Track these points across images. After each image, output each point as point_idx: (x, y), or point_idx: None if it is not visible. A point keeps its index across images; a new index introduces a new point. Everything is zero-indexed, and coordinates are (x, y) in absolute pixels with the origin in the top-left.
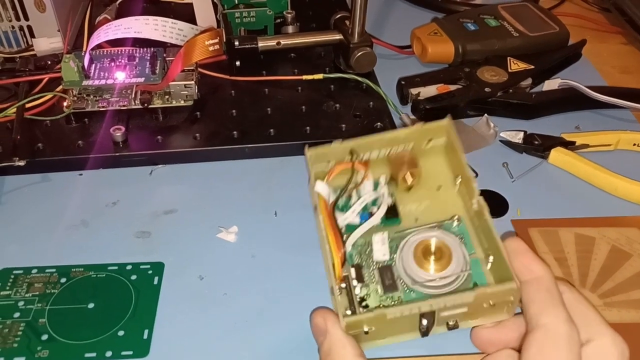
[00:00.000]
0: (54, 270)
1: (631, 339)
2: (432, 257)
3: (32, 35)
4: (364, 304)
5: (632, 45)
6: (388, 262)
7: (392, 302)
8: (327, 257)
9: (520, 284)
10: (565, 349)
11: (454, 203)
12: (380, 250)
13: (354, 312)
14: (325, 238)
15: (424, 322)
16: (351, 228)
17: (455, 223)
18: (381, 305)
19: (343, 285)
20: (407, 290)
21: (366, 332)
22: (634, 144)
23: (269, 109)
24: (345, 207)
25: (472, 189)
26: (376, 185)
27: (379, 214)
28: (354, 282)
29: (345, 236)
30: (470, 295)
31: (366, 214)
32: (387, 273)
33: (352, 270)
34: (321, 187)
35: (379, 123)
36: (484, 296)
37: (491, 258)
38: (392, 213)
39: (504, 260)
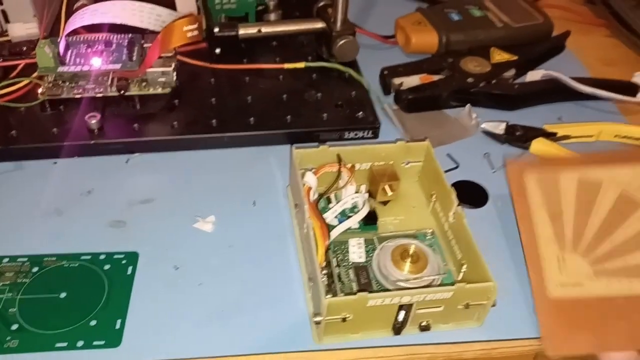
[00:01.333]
0: (25, 259)
1: (615, 316)
2: (409, 260)
3: (7, 20)
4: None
5: (616, 37)
6: (363, 264)
7: None
8: (309, 247)
9: None
10: None
11: (427, 220)
12: (356, 253)
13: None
14: (310, 226)
15: (401, 315)
16: (330, 228)
17: (429, 235)
18: None
19: (324, 271)
20: (381, 290)
21: (344, 320)
22: (615, 135)
23: (249, 97)
24: (325, 210)
25: (450, 202)
26: (357, 192)
27: (359, 215)
28: (336, 270)
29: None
30: (450, 291)
31: (344, 218)
32: (362, 273)
33: (334, 260)
34: (310, 178)
35: (360, 112)
36: (463, 292)
37: (464, 268)
38: (370, 219)
39: (481, 262)
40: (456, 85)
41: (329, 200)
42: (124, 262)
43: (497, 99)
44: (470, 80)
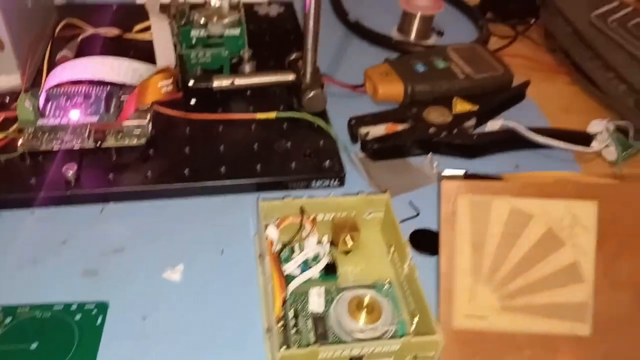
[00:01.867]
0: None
1: (513, 352)
2: (364, 311)
3: None
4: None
5: (576, 85)
6: (322, 314)
7: None
8: (268, 298)
9: None
10: None
11: (386, 270)
12: (316, 302)
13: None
14: (270, 278)
15: None
16: (291, 279)
17: (387, 286)
18: None
19: (281, 323)
20: (337, 341)
21: None
22: None
23: (222, 147)
24: (288, 260)
25: (404, 254)
26: (319, 243)
27: (319, 266)
28: (292, 321)
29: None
30: (397, 343)
31: (307, 267)
32: (320, 323)
33: (290, 314)
34: (271, 232)
35: (327, 161)
36: (409, 345)
37: (416, 319)
38: (330, 270)
39: (429, 316)
40: (419, 135)
41: (292, 251)
42: (94, 312)
43: (457, 148)
44: (432, 130)
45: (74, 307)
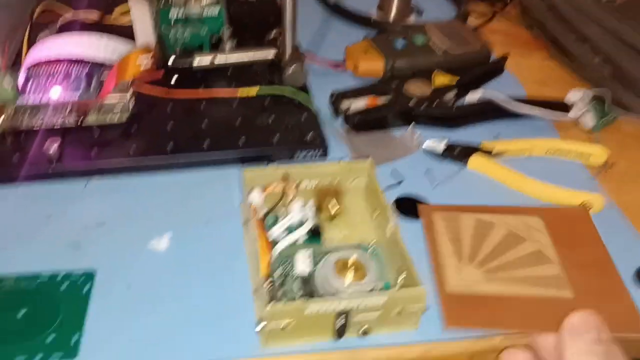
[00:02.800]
0: None
1: (504, 307)
2: (350, 270)
3: None
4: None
5: (553, 59)
6: (308, 275)
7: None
8: (255, 260)
9: None
10: None
11: (370, 234)
12: (302, 264)
13: None
14: (256, 240)
15: (340, 321)
16: (276, 244)
17: (371, 247)
18: None
19: (267, 282)
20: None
21: (282, 329)
22: (547, 151)
23: (204, 123)
24: (273, 225)
25: (387, 217)
26: (303, 208)
27: (305, 228)
28: (279, 280)
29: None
30: (382, 298)
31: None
32: (307, 284)
33: (277, 274)
34: (255, 197)
35: (310, 134)
36: (394, 300)
37: (402, 275)
38: (315, 234)
39: (413, 271)
40: (400, 108)
41: (277, 217)
42: (80, 281)
43: (437, 120)
44: (412, 102)
45: (59, 277)
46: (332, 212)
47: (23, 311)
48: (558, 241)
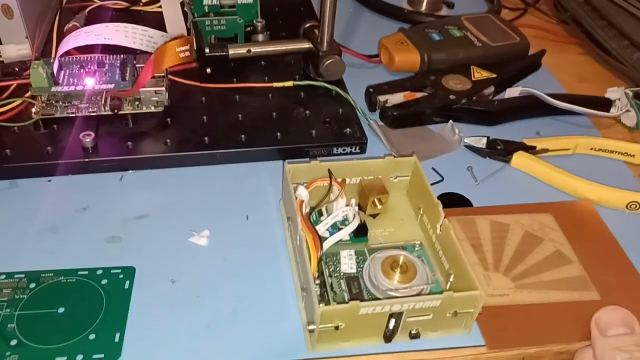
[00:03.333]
0: (22, 275)
1: (539, 318)
2: (399, 270)
3: (0, 42)
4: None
5: (588, 55)
6: (354, 274)
7: None
8: (302, 258)
9: None
10: None
11: (415, 232)
12: (347, 264)
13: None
14: (303, 237)
15: (392, 323)
16: (322, 240)
17: (417, 247)
18: None
19: (317, 281)
20: (372, 300)
21: (336, 328)
22: (591, 148)
23: (239, 115)
24: (316, 222)
25: (436, 214)
26: (347, 205)
27: (350, 227)
28: (328, 280)
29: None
30: (438, 299)
31: (335, 230)
32: (354, 283)
33: (326, 271)
34: (302, 192)
35: (348, 129)
36: (451, 301)
37: (452, 277)
38: (361, 231)
39: (468, 272)
40: (439, 102)
41: (320, 214)
42: (121, 276)
43: (478, 115)
44: (452, 97)
45: (99, 272)
46: (378, 208)
47: (62, 308)
48: (572, 238)
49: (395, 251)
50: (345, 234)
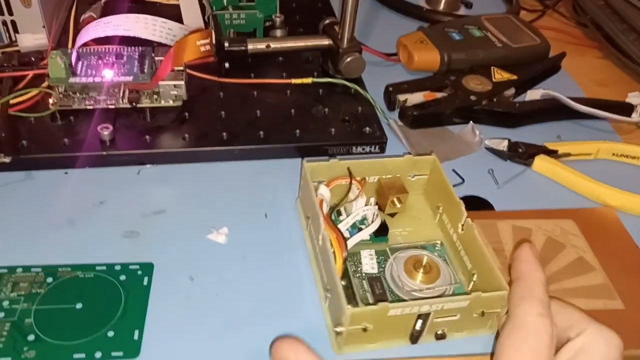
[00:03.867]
0: (39, 269)
1: None
2: (422, 270)
3: (16, 31)
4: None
5: (608, 59)
6: (376, 275)
7: None
8: (325, 258)
9: (510, 282)
10: (532, 338)
11: (434, 231)
12: (369, 264)
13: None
14: (327, 237)
15: (419, 324)
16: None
17: (438, 247)
18: None
19: (343, 282)
20: (398, 300)
21: (364, 330)
22: (613, 154)
23: (258, 111)
24: (336, 222)
25: (458, 214)
26: (367, 204)
27: (372, 227)
28: (354, 281)
29: None
30: (466, 299)
31: (355, 230)
32: (376, 284)
33: (350, 271)
34: (324, 191)
35: (367, 128)
36: (479, 301)
37: (475, 277)
38: (381, 231)
39: (494, 271)
40: (459, 103)
41: (339, 213)
42: (139, 272)
43: (499, 117)
44: (472, 98)
45: (117, 267)
46: (397, 206)
47: (80, 304)
48: (594, 245)
49: (417, 251)
50: (367, 234)
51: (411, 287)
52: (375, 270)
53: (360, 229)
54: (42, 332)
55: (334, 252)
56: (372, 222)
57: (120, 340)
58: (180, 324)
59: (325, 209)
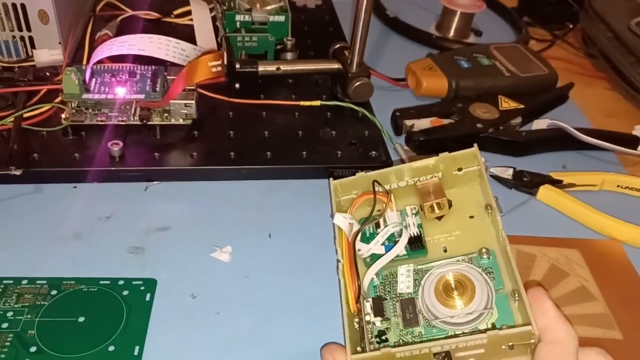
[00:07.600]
0: (44, 282)
1: None
2: (455, 293)
3: (33, 46)
4: (383, 337)
5: (616, 90)
6: (411, 295)
7: (412, 338)
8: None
9: (539, 343)
10: None
11: (486, 233)
12: (404, 282)
13: (364, 350)
14: (341, 271)
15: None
16: (376, 258)
17: (485, 256)
18: (400, 341)
19: (356, 320)
20: (428, 326)
21: None
22: (618, 185)
23: (266, 132)
24: (372, 238)
25: (496, 222)
26: (402, 215)
27: (400, 244)
28: (369, 317)
29: (369, 267)
30: (484, 338)
31: (391, 244)
32: (408, 307)
33: (368, 305)
34: (340, 220)
35: (373, 152)
36: (497, 339)
37: (517, 296)
38: (417, 244)
39: (524, 302)
40: (466, 130)
41: (377, 226)
42: (142, 288)
43: (504, 145)
44: (479, 125)
45: (121, 282)
46: (436, 212)
47: (83, 317)
48: (598, 276)
49: (453, 267)
50: (397, 251)
51: (442, 314)
52: (411, 290)
53: (397, 243)
54: (44, 344)
55: (346, 286)
56: (401, 238)
57: (121, 356)
58: (180, 342)
59: (355, 227)
